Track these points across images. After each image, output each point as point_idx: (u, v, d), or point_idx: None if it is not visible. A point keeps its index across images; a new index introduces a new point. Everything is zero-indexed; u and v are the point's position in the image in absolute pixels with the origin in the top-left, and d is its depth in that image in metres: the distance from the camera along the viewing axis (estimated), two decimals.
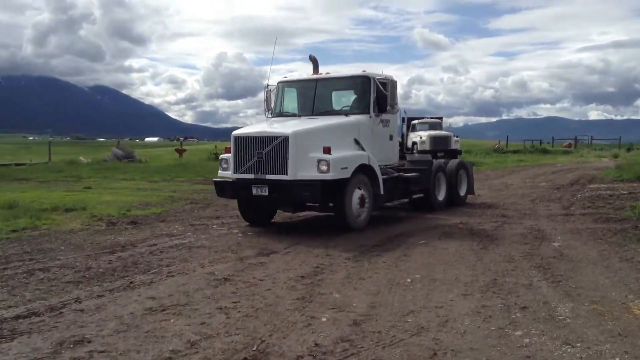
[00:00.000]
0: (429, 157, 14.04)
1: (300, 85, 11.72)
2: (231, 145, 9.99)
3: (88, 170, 26.84)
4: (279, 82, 11.76)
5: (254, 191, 9.59)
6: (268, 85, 11.74)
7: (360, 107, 10.82)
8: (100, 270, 6.98)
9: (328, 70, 11.79)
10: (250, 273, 6.78)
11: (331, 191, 9.34)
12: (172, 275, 6.67)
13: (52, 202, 13.59)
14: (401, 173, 11.60)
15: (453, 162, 13.89)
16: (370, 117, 10.69)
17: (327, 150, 9.25)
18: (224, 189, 10.36)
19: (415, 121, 30.36)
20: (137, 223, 10.93)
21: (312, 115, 10.88)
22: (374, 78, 10.70)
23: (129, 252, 8.09)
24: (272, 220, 11.15)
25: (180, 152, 35.85)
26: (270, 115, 11.66)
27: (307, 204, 10.10)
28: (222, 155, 10.62)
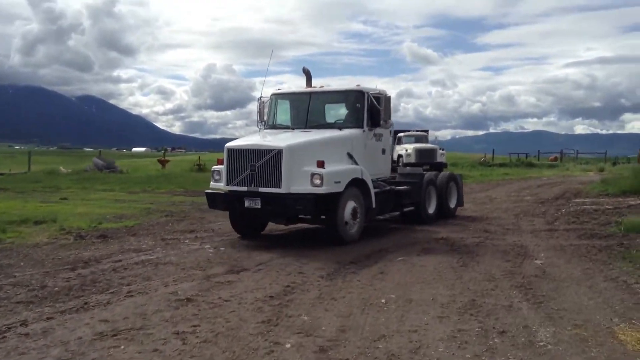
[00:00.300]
0: (420, 170, 13.99)
1: (293, 97, 11.66)
2: (224, 157, 9.91)
3: (67, 180, 26.31)
4: (273, 94, 11.70)
5: (247, 203, 9.52)
6: (261, 96, 11.68)
7: (353, 121, 10.80)
8: (56, 289, 6.55)
9: (321, 83, 11.88)
10: (216, 293, 6.38)
11: (324, 204, 9.34)
12: (132, 295, 6.26)
13: (23, 213, 13.13)
14: (393, 186, 11.62)
15: (443, 175, 13.85)
16: (364, 131, 10.69)
17: (320, 164, 9.24)
18: (216, 200, 10.29)
19: (401, 134, 30.18)
20: (107, 237, 10.50)
21: (305, 128, 10.83)
22: (367, 92, 10.73)
23: (91, 268, 7.66)
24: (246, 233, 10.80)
25: (163, 162, 35.37)
26: (262, 127, 11.59)
27: (300, 216, 10.06)
28: (215, 167, 10.54)
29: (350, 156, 10.31)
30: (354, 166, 10.16)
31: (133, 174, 30.42)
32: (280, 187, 9.26)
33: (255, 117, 11.87)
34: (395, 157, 25.64)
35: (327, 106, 11.63)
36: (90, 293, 6.38)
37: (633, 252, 8.45)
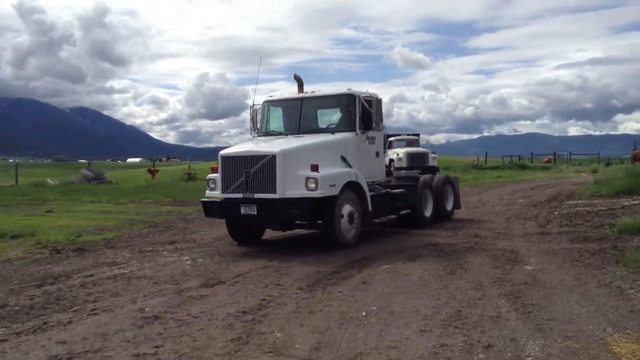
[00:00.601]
0: (415, 173, 13.96)
1: (285, 104, 11.69)
2: (218, 165, 9.94)
3: (54, 192, 25.91)
4: (265, 102, 11.74)
5: (243, 210, 9.51)
6: (254, 104, 11.74)
7: (346, 124, 10.82)
8: (16, 308, 6.17)
9: (313, 89, 11.85)
10: (186, 309, 6.00)
11: (320, 209, 9.34)
12: (96, 314, 5.88)
13: (2, 227, 12.73)
14: (388, 189, 11.62)
15: (439, 178, 13.89)
16: (357, 134, 10.71)
17: (315, 168, 9.28)
18: (211, 209, 10.31)
19: (392, 138, 29.87)
20: (84, 250, 10.13)
21: (298, 133, 10.89)
22: (359, 96, 10.78)
23: (59, 285, 7.28)
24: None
25: (152, 172, 34.96)
26: (256, 135, 11.61)
27: (296, 222, 10.12)
28: (210, 175, 10.50)
29: (344, 159, 10.31)
30: (348, 169, 10.15)
31: (122, 185, 30.03)
32: (275, 192, 9.27)
33: (249, 125, 11.88)
34: (386, 161, 25.33)
35: (319, 111, 11.66)
36: (52, 312, 6.00)
37: (627, 255, 8.13)
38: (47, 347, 4.88)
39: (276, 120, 11.75)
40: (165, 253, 9.61)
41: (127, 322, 5.54)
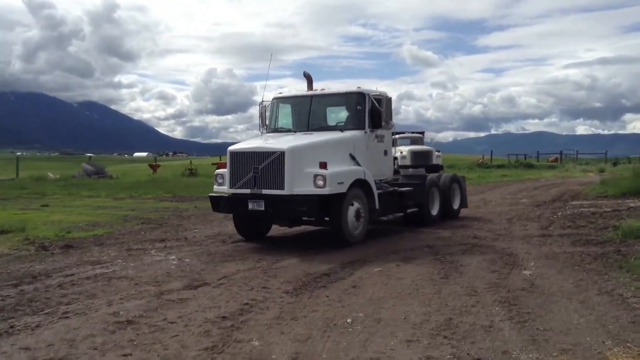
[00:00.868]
0: (422, 171, 13.87)
1: (295, 101, 11.65)
2: (227, 160, 9.98)
3: (54, 186, 25.73)
4: (274, 98, 11.73)
5: (250, 206, 9.54)
6: (263, 101, 11.74)
7: (355, 122, 10.81)
8: None
9: (322, 86, 11.79)
10: (162, 313, 5.71)
11: (327, 206, 9.39)
12: (67, 317, 5.59)
13: None
14: (396, 188, 11.58)
15: (446, 176, 13.89)
16: (366, 132, 10.72)
17: (323, 165, 9.29)
18: (219, 204, 10.35)
19: (397, 136, 29.47)
20: (71, 247, 9.88)
21: (307, 130, 10.88)
22: (368, 94, 10.77)
23: (37, 284, 7.01)
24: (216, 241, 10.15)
25: (154, 167, 34.73)
26: (264, 131, 11.61)
27: (304, 218, 10.12)
28: (218, 171, 10.63)
29: (352, 157, 10.32)
30: (356, 167, 10.16)
31: (122, 180, 29.78)
32: (283, 188, 9.29)
33: (256, 120, 11.89)
34: None
35: (328, 109, 11.63)
36: (22, 314, 5.72)
37: (631, 260, 7.76)
38: (8, 354, 4.60)
39: (285, 117, 11.71)
40: (152, 252, 9.32)
41: (98, 327, 5.25)
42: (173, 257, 8.80)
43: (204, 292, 6.56)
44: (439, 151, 29.92)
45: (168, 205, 17.79)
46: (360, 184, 9.99)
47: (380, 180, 11.06)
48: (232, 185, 9.86)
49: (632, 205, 14.56)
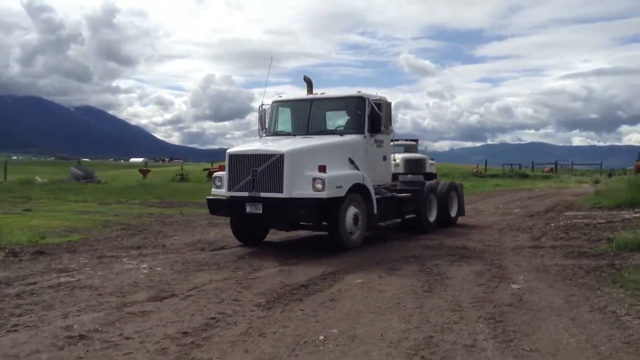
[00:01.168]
0: (421, 178, 13.72)
1: (294, 105, 11.65)
2: (226, 163, 9.88)
3: (41, 191, 25.33)
4: (274, 102, 11.71)
5: (248, 209, 9.50)
6: (262, 104, 11.71)
7: (354, 127, 10.77)
8: None
9: (322, 91, 11.75)
10: (120, 327, 5.29)
11: (326, 210, 9.35)
12: (16, 330, 5.17)
13: None
14: (394, 193, 11.57)
15: (444, 184, 13.90)
16: (365, 137, 10.68)
17: (322, 169, 9.24)
18: (217, 206, 10.30)
19: (391, 143, 29.12)
20: (42, 253, 9.45)
21: (307, 134, 10.83)
22: (368, 98, 10.75)
23: None
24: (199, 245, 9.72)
25: (144, 172, 34.29)
26: (264, 134, 11.59)
27: (302, 222, 10.08)
28: (216, 173, 10.50)
29: (351, 162, 10.30)
30: (355, 171, 10.14)
31: (111, 184, 29.38)
32: (282, 192, 9.23)
33: (254, 126, 12.17)
34: None
35: (328, 113, 11.59)
36: None
37: (625, 274, 7.38)
38: None
39: (284, 121, 11.69)
40: (125, 259, 8.89)
41: (46, 342, 4.83)
42: (145, 265, 8.36)
43: (169, 305, 6.13)
44: (432, 159, 29.57)
45: (153, 211, 17.37)
46: (358, 189, 9.92)
47: (378, 185, 11.03)
48: (230, 188, 9.77)
49: (626, 216, 14.20)
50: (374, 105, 10.74)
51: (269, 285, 7.05)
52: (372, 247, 10.31)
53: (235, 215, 10.23)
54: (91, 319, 5.50)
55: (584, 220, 13.75)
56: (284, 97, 11.85)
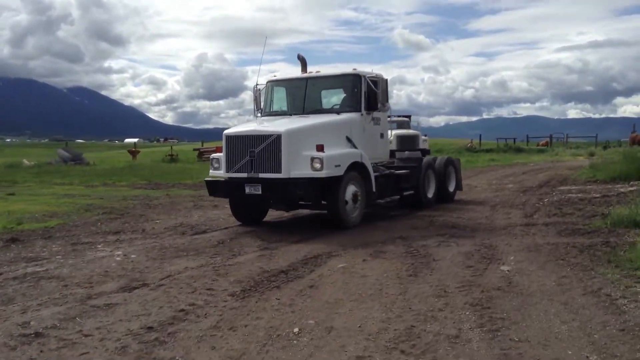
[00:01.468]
0: (418, 154, 13.68)
1: (290, 84, 11.57)
2: (223, 144, 9.87)
3: (26, 174, 24.90)
4: (268, 82, 11.61)
5: (247, 190, 9.50)
6: (257, 84, 11.61)
7: (351, 105, 10.74)
8: None
9: (315, 69, 11.59)
10: (80, 323, 4.93)
11: (325, 189, 9.35)
12: None
13: None
14: (392, 170, 11.58)
15: (442, 159, 13.85)
16: (362, 115, 10.64)
17: (320, 148, 9.21)
18: (216, 188, 10.29)
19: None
20: (16, 240, 9.06)
21: (303, 114, 10.76)
22: (364, 76, 10.67)
23: None
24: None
25: (133, 153, 33.80)
26: (259, 115, 11.50)
27: (301, 202, 10.09)
28: (214, 155, 10.44)
29: (349, 140, 10.26)
30: (353, 150, 10.11)
31: (99, 166, 28.91)
32: (280, 172, 9.24)
33: (248, 105, 11.90)
34: None
35: (323, 92, 11.50)
36: None
37: (620, 253, 7.03)
38: None
39: (280, 101, 11.57)
40: (99, 246, 8.51)
41: None
42: (119, 252, 7.98)
43: (138, 296, 5.77)
44: (425, 135, 29.17)
45: (139, 193, 16.98)
46: (357, 167, 9.91)
47: (376, 163, 11.02)
48: (228, 170, 9.77)
49: (622, 190, 13.89)
50: (370, 83, 10.63)
51: (247, 272, 6.70)
52: (358, 228, 9.93)
53: (235, 197, 10.18)
54: (51, 314, 5.13)
55: (579, 195, 13.43)
56: (279, 76, 11.75)
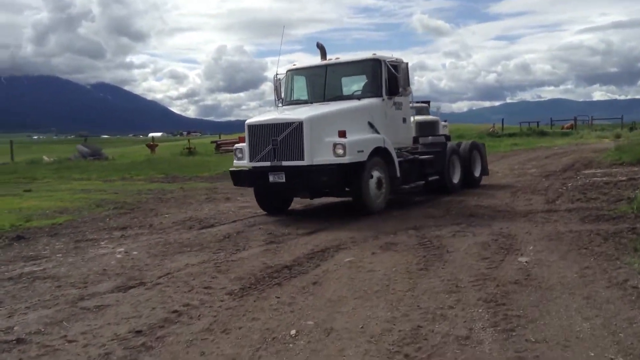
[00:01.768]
0: (442, 139, 13.51)
1: (309, 72, 11.51)
2: (245, 134, 9.88)
3: (46, 170, 24.98)
4: (288, 71, 11.59)
5: (271, 178, 9.51)
6: (277, 74, 11.58)
7: (372, 90, 10.65)
8: None
9: (336, 56, 11.49)
10: (66, 327, 4.66)
11: (348, 175, 9.27)
12: None
13: None
14: (416, 156, 11.45)
15: (466, 144, 13.76)
16: (383, 100, 10.54)
17: (342, 134, 9.16)
18: (240, 178, 10.34)
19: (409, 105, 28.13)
20: (22, 238, 8.96)
21: (324, 101, 10.71)
22: (384, 61, 10.59)
23: None
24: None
25: (152, 147, 33.79)
26: (280, 104, 11.49)
27: (324, 189, 10.08)
28: (237, 145, 10.45)
29: (371, 125, 10.17)
30: (375, 135, 10.03)
31: (118, 161, 28.93)
32: (303, 159, 9.22)
33: (269, 96, 11.86)
34: None
35: (344, 78, 11.46)
36: None
37: None
38: None
39: (300, 89, 11.56)
40: (103, 243, 8.29)
41: None
42: (121, 249, 7.74)
43: (132, 296, 5.50)
44: (445, 121, 28.64)
45: (154, 187, 16.84)
46: (380, 152, 9.84)
47: (399, 148, 10.90)
48: (251, 159, 9.80)
49: None
50: (391, 67, 10.53)
51: (249, 268, 6.39)
52: (372, 217, 9.55)
53: (259, 186, 10.18)
54: (37, 318, 4.87)
55: (604, 179, 12.85)
56: (298, 65, 11.66)
